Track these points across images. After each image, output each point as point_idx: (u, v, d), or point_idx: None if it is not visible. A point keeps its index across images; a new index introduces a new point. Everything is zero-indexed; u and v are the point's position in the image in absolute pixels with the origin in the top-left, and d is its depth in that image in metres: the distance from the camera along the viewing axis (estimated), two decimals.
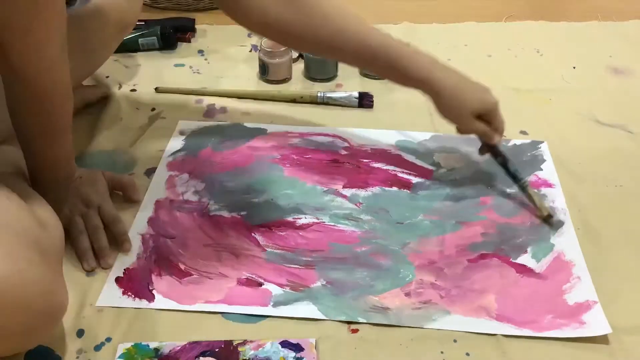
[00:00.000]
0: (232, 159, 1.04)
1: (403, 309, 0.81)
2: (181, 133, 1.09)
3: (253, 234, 0.91)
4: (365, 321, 0.79)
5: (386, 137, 1.08)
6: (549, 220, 0.92)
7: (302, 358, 0.75)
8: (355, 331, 0.79)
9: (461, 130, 0.98)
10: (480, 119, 0.95)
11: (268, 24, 0.92)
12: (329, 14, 0.94)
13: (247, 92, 1.19)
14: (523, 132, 1.10)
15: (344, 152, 1.05)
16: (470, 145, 1.05)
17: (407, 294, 0.83)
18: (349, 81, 1.24)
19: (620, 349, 0.77)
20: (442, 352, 0.77)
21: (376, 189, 0.98)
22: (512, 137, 1.09)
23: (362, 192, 0.98)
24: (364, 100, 1.16)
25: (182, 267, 0.86)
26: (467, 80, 0.96)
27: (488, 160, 1.01)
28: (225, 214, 0.94)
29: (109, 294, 0.82)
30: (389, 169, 1.02)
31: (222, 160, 1.03)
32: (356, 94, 1.17)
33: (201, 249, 0.88)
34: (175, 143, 1.07)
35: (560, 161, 1.04)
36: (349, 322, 0.79)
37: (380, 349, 0.77)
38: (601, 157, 1.06)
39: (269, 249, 0.88)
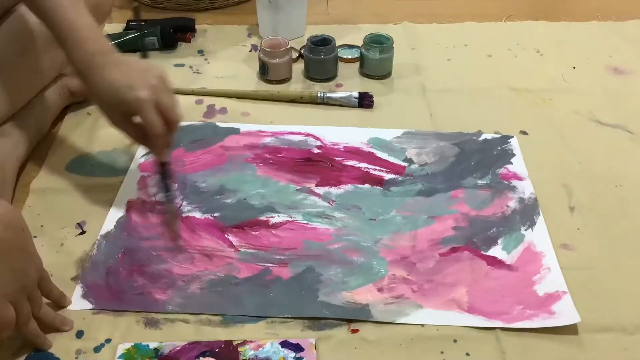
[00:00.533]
0: (205, 158, 1.04)
1: (376, 304, 0.81)
2: None
3: (226, 235, 0.91)
4: (335, 317, 0.80)
5: (358, 134, 1.08)
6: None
7: (302, 358, 0.75)
8: (355, 331, 0.79)
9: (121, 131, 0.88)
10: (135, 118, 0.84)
11: None
12: None
13: (247, 92, 1.19)
14: (523, 132, 1.10)
15: (316, 151, 1.05)
16: (442, 140, 1.07)
17: (380, 290, 0.83)
18: (349, 81, 1.24)
19: (621, 349, 0.77)
20: (442, 353, 0.77)
21: (349, 187, 0.98)
22: (509, 135, 1.09)
23: (335, 190, 0.98)
24: (364, 100, 1.16)
25: (154, 269, 0.86)
26: (126, 73, 0.83)
27: (459, 154, 1.04)
28: (198, 215, 0.94)
29: (80, 298, 0.82)
30: (361, 167, 1.02)
31: (194, 160, 1.03)
32: (356, 94, 1.16)
33: (174, 251, 0.88)
34: None
35: (560, 161, 1.04)
36: (326, 319, 0.80)
37: (380, 349, 0.77)
38: (601, 157, 1.06)
39: (242, 249, 0.88)
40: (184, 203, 0.95)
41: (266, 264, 0.87)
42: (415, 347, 0.77)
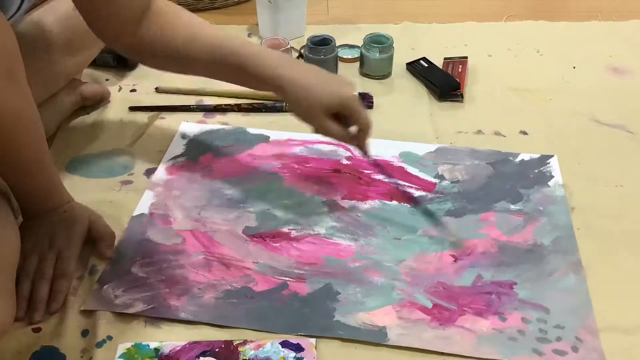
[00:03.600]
0: (232, 166, 1.03)
1: (393, 328, 0.79)
2: (183, 136, 1.08)
3: (246, 245, 0.89)
4: (350, 338, 0.78)
5: (390, 147, 1.05)
6: None
7: (302, 358, 0.75)
8: None
9: (316, 130, 0.90)
10: (339, 119, 0.88)
11: (124, 42, 0.90)
12: (178, 25, 0.90)
13: (246, 92, 1.19)
14: (523, 132, 1.10)
15: (345, 162, 1.03)
16: (476, 159, 1.04)
17: (399, 312, 0.81)
18: None
19: (621, 349, 0.77)
20: (442, 353, 0.77)
21: (376, 202, 0.96)
22: (512, 137, 1.09)
23: (361, 205, 0.96)
24: (364, 101, 1.16)
25: (170, 274, 0.85)
26: (320, 75, 0.89)
27: (493, 175, 1.00)
28: (220, 222, 0.93)
29: (97, 298, 0.82)
30: (390, 181, 0.99)
31: (222, 167, 1.02)
32: (356, 95, 1.16)
33: (192, 257, 0.88)
34: (176, 146, 1.06)
35: (560, 161, 1.04)
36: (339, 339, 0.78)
37: (381, 350, 0.77)
38: (601, 157, 1.06)
39: (261, 261, 0.87)
40: (207, 210, 0.94)
41: (284, 278, 0.85)
42: (417, 352, 0.77)
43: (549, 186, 0.99)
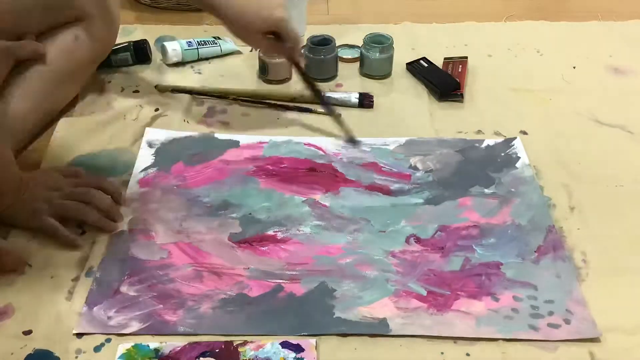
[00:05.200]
0: (205, 173, 1.01)
1: (393, 318, 0.80)
2: (150, 145, 1.06)
3: (234, 251, 0.89)
4: (354, 333, 0.78)
5: (360, 144, 1.07)
6: (353, 141, 1.06)
7: (303, 358, 0.75)
8: None
9: (253, 47, 1.11)
10: (273, 37, 1.03)
11: None
12: None
13: (247, 91, 1.19)
14: (523, 132, 1.10)
15: (320, 161, 1.04)
16: (445, 147, 1.06)
17: (396, 303, 0.82)
18: (349, 81, 1.24)
19: (621, 349, 0.77)
20: (442, 353, 0.77)
21: (356, 197, 0.97)
22: (512, 137, 1.09)
23: (341, 201, 0.96)
24: (365, 100, 1.16)
25: (161, 289, 0.84)
26: (253, 1, 1.02)
27: (463, 162, 1.03)
28: (204, 231, 0.92)
29: (89, 319, 0.79)
30: (365, 176, 1.01)
31: (195, 175, 1.01)
32: (357, 95, 1.17)
33: (181, 269, 0.86)
34: (145, 156, 1.03)
35: (561, 161, 1.04)
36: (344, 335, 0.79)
37: (381, 350, 0.77)
38: (601, 157, 1.06)
39: (252, 266, 0.87)
40: (188, 220, 0.93)
41: (278, 281, 0.85)
42: (416, 347, 0.78)
43: (517, 168, 1.02)
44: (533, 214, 0.94)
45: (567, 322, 0.80)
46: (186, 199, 0.97)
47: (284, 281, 0.85)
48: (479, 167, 1.03)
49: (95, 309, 0.81)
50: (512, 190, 0.98)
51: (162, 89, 1.19)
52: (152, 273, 0.85)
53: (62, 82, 1.05)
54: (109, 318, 0.80)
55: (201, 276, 0.85)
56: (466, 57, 1.26)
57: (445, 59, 1.26)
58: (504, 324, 0.80)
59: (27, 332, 0.78)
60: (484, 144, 1.07)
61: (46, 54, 1.01)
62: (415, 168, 1.02)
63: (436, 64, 1.24)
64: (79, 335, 0.78)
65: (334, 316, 0.80)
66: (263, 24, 1.01)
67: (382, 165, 1.03)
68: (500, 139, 1.08)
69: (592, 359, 0.76)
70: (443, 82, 1.19)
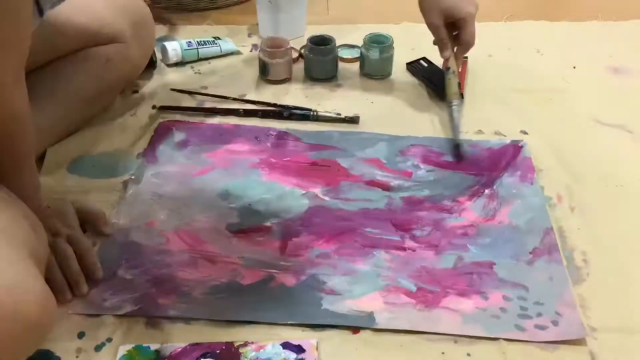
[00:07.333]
0: (210, 162, 1.03)
1: (381, 312, 0.81)
2: (157, 133, 1.08)
3: (230, 240, 0.90)
4: (339, 324, 0.79)
5: (364, 140, 1.08)
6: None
7: (304, 359, 0.75)
8: (356, 332, 0.79)
9: (427, 24, 1.11)
10: (450, 28, 1.09)
11: None
12: None
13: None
14: (523, 132, 1.10)
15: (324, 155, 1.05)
16: (446, 147, 1.06)
17: (385, 298, 0.83)
18: (349, 81, 1.24)
19: (621, 349, 0.77)
20: (443, 353, 0.77)
21: (355, 192, 0.98)
22: (512, 137, 1.09)
23: (341, 195, 0.97)
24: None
25: (157, 273, 0.85)
26: None
27: (466, 162, 1.03)
28: (202, 219, 0.93)
29: (85, 301, 0.81)
30: (368, 172, 1.01)
31: (200, 165, 1.02)
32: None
33: (177, 255, 0.88)
34: (151, 147, 1.06)
35: (561, 161, 1.04)
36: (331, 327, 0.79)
37: (382, 350, 0.78)
38: (601, 157, 1.06)
39: (246, 255, 0.88)
40: (188, 207, 0.94)
41: (270, 270, 0.86)
42: (416, 347, 0.78)
43: (519, 170, 1.01)
44: (532, 216, 0.94)
45: (555, 323, 0.80)
46: (189, 188, 0.98)
47: (276, 271, 0.86)
48: (482, 167, 1.02)
49: (92, 291, 0.82)
50: (514, 191, 0.98)
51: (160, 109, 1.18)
52: (149, 258, 0.87)
53: (88, 105, 1.07)
54: (104, 300, 0.81)
55: (196, 263, 0.87)
56: (466, 57, 1.26)
57: None
58: (491, 323, 0.80)
59: None
60: (489, 145, 1.07)
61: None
62: (417, 167, 1.03)
63: (436, 64, 1.24)
64: (80, 335, 0.78)
65: (322, 307, 0.81)
66: (449, 7, 1.07)
67: (383, 161, 1.04)
68: (503, 139, 1.08)
69: (593, 359, 0.76)
70: (443, 82, 1.19)
